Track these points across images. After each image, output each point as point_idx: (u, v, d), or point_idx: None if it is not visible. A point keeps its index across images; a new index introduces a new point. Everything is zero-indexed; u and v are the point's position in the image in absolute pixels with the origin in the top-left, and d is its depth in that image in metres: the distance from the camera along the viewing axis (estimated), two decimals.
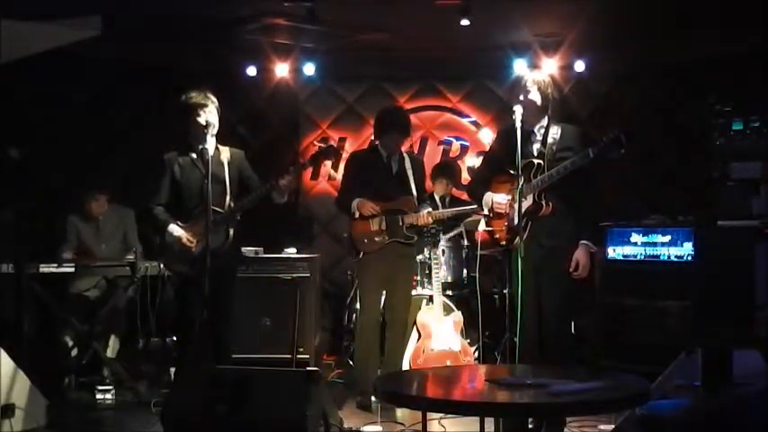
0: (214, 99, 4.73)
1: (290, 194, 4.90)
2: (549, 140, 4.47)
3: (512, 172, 4.40)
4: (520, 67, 7.21)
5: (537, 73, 4.75)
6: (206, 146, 4.67)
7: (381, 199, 5.32)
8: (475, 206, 5.33)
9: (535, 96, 4.49)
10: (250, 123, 7.82)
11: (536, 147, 4.51)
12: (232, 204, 4.70)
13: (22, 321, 5.73)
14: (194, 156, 4.72)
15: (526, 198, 4.38)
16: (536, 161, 4.41)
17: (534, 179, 4.38)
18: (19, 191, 6.43)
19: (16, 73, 5.91)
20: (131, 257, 5.73)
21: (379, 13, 6.21)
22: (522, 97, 4.52)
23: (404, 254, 5.42)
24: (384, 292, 5.43)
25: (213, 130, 4.67)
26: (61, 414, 4.92)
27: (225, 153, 4.74)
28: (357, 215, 5.28)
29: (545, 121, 4.53)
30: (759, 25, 5.84)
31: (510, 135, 4.37)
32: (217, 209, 4.60)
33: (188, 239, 4.63)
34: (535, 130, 4.53)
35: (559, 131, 4.49)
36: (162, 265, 5.21)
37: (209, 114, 4.66)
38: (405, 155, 5.52)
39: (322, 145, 7.77)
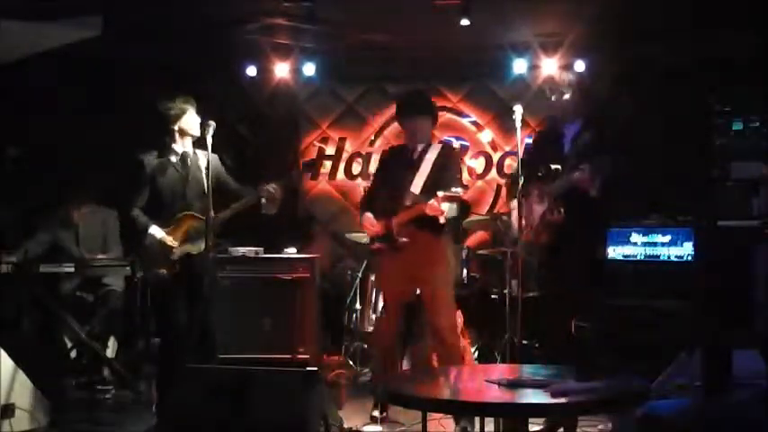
0: (193, 102, 4.77)
1: (282, 203, 4.89)
2: (576, 144, 4.49)
3: (539, 174, 4.41)
4: (520, 66, 7.22)
5: (571, 73, 4.78)
6: (185, 149, 4.76)
7: (395, 203, 4.88)
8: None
9: (569, 97, 4.51)
10: (250, 123, 7.81)
11: (567, 149, 4.53)
12: (212, 211, 4.66)
13: (22, 321, 5.74)
14: (173, 159, 4.77)
15: (544, 202, 4.39)
16: (554, 166, 4.39)
17: (551, 185, 4.38)
18: (19, 191, 6.44)
19: (16, 73, 5.92)
20: (102, 256, 5.79)
21: (379, 13, 6.21)
22: (554, 98, 4.54)
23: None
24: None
25: (196, 135, 4.72)
26: (61, 414, 4.92)
27: (202, 158, 4.75)
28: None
29: (577, 125, 4.53)
30: (759, 25, 5.84)
31: (545, 137, 4.39)
32: (198, 215, 4.63)
33: (170, 240, 4.69)
34: (566, 132, 4.54)
35: (588, 135, 4.49)
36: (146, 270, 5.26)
37: (186, 123, 4.72)
38: (435, 146, 4.99)
39: (322, 146, 7.88)
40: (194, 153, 4.76)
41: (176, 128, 4.72)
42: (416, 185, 4.80)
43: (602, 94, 6.42)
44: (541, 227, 4.40)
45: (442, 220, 4.65)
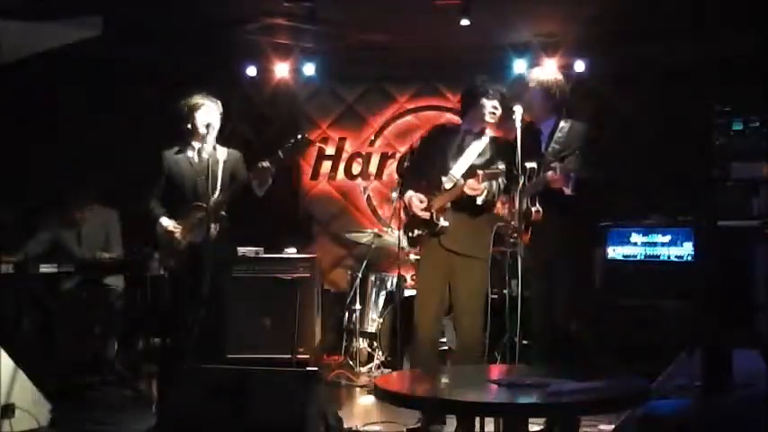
0: (214, 99, 4.78)
1: (279, 192, 4.90)
2: (553, 140, 4.46)
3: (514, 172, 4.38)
4: (520, 66, 7.22)
5: (539, 70, 4.76)
6: (203, 145, 4.75)
7: (435, 185, 4.67)
8: None
9: (538, 95, 4.50)
10: (250, 123, 7.81)
11: (543, 146, 4.49)
12: (212, 198, 4.64)
13: (22, 321, 5.74)
14: (190, 154, 4.80)
15: (522, 202, 4.37)
16: (529, 165, 4.35)
17: (528, 183, 4.36)
18: (19, 191, 6.44)
19: (16, 73, 5.91)
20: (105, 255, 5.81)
21: (379, 13, 6.21)
22: (525, 96, 4.53)
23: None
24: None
25: (213, 130, 4.73)
26: (61, 414, 4.91)
27: (222, 153, 4.76)
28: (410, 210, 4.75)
29: (553, 121, 4.51)
30: (759, 25, 5.84)
31: (522, 137, 4.36)
32: (201, 205, 4.65)
33: (173, 227, 4.69)
34: (542, 129, 4.52)
35: (566, 131, 4.45)
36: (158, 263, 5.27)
37: (207, 115, 4.72)
38: (489, 136, 4.71)
39: (322, 146, 7.87)
40: (213, 149, 4.77)
41: (195, 122, 4.75)
42: (459, 168, 4.59)
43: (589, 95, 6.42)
44: (522, 226, 4.38)
45: (479, 201, 4.47)
